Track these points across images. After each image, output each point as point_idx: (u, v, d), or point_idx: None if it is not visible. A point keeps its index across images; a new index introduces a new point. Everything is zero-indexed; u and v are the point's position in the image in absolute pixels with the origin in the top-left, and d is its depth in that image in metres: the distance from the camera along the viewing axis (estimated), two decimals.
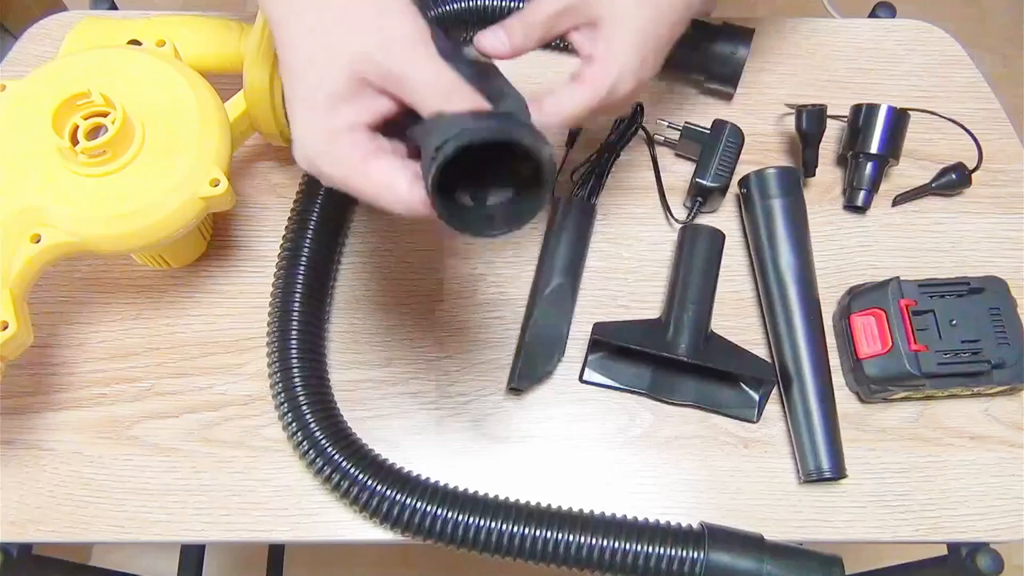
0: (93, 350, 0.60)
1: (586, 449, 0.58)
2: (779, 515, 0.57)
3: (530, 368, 0.58)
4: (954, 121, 0.68)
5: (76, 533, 0.55)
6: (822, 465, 0.55)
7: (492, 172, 0.42)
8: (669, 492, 0.57)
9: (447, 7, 0.66)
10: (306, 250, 0.58)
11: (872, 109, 0.63)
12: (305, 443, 0.54)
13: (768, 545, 0.52)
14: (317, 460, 0.53)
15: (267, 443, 0.57)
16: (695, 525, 0.53)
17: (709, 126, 0.64)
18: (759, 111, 0.69)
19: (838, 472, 0.55)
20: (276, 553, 1.13)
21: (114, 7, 0.75)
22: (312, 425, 0.54)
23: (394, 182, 0.41)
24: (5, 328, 0.48)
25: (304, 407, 0.54)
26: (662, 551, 0.51)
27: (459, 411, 0.59)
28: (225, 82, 0.58)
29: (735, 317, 0.62)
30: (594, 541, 0.51)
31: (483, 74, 0.47)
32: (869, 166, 0.64)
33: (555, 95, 0.48)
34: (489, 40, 0.50)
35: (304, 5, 0.43)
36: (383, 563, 1.26)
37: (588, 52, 0.49)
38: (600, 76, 0.48)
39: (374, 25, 0.42)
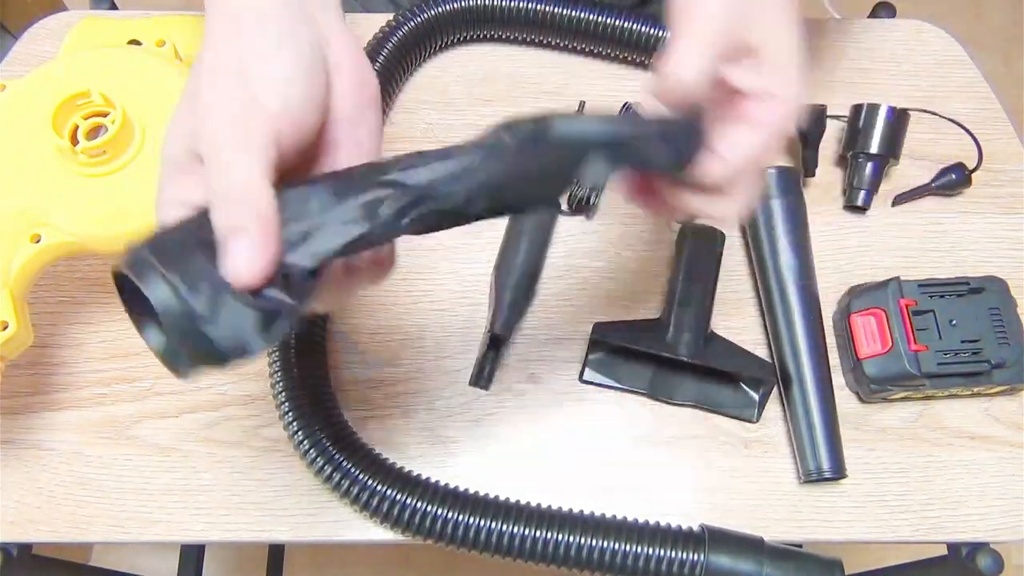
0: (93, 350, 0.60)
1: (586, 449, 0.58)
2: (779, 515, 0.57)
3: (512, 313, 0.58)
4: (954, 121, 0.68)
5: (76, 533, 0.55)
6: (822, 465, 0.55)
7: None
8: (669, 492, 0.57)
9: (447, 7, 0.66)
10: None
11: (872, 109, 0.64)
12: (306, 442, 0.54)
13: (768, 548, 0.52)
14: (318, 459, 0.53)
15: (267, 443, 0.57)
16: (695, 527, 0.53)
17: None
18: None
19: (838, 472, 0.55)
20: (276, 553, 1.14)
21: (114, 7, 0.75)
22: (313, 424, 0.54)
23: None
24: (5, 328, 0.48)
25: (305, 407, 0.54)
26: (662, 553, 0.51)
27: (459, 411, 0.59)
28: None
29: (735, 317, 0.62)
30: (594, 542, 0.51)
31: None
32: (869, 166, 0.64)
33: (727, 139, 0.40)
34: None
35: (218, 47, 0.36)
36: (383, 563, 1.26)
37: (752, 86, 0.40)
38: (776, 115, 0.40)
39: (233, 94, 0.34)
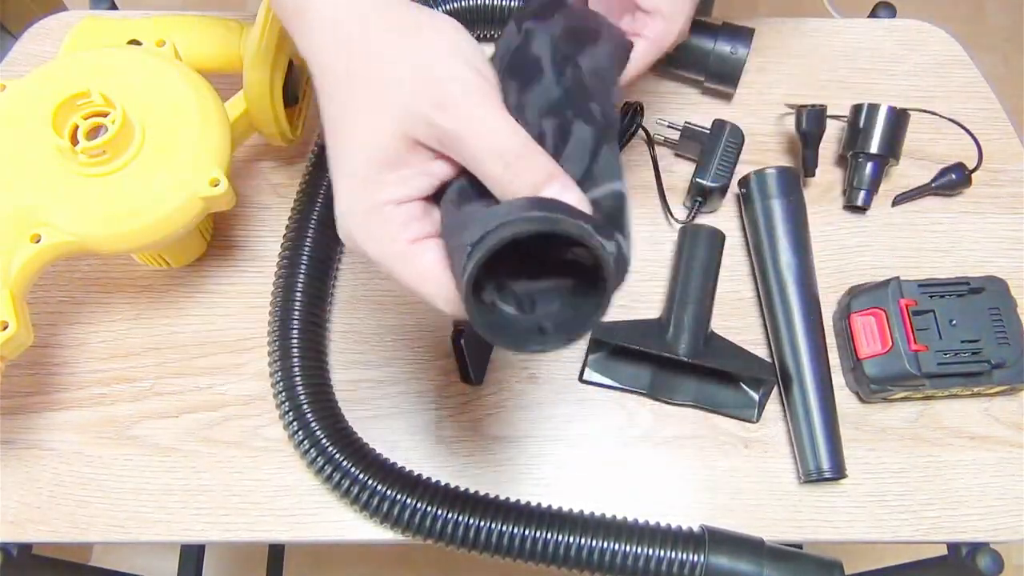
0: (93, 350, 0.60)
1: (586, 449, 0.58)
2: (779, 515, 0.57)
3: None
4: (954, 121, 0.68)
5: (76, 533, 0.55)
6: (822, 465, 0.55)
7: (547, 261, 0.34)
8: (669, 492, 0.57)
9: (446, 6, 0.66)
10: (307, 250, 0.58)
11: (872, 109, 0.64)
12: (306, 442, 0.54)
13: (768, 549, 0.52)
14: (318, 459, 0.53)
15: (267, 443, 0.57)
16: (696, 528, 0.53)
17: (709, 126, 0.64)
18: (759, 111, 0.69)
19: (838, 472, 0.55)
20: (276, 553, 1.14)
21: (114, 7, 0.75)
22: (313, 424, 0.54)
23: (443, 277, 0.35)
24: (5, 328, 0.48)
25: (305, 406, 0.54)
26: (662, 553, 0.51)
27: (459, 411, 0.59)
28: (225, 82, 0.58)
29: (735, 317, 0.62)
30: (594, 543, 0.51)
31: (565, 129, 0.37)
32: (869, 166, 0.64)
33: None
34: None
35: (351, 46, 0.37)
36: (383, 563, 1.26)
37: (650, 6, 0.46)
38: (665, 32, 0.46)
39: (429, 75, 0.35)
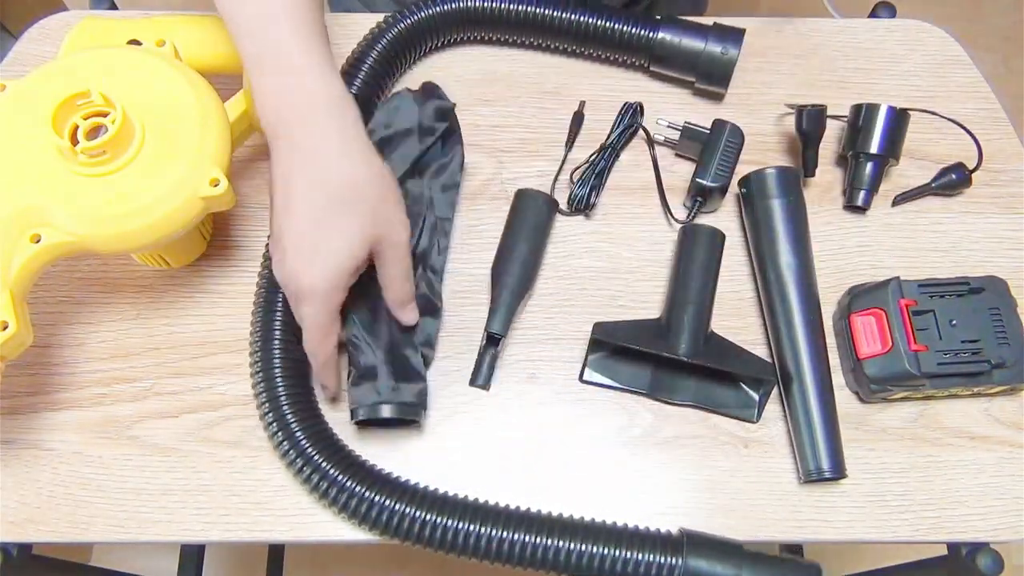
0: (93, 350, 0.60)
1: (586, 449, 0.58)
2: (779, 515, 0.57)
3: (508, 312, 0.59)
4: (954, 121, 0.68)
5: (75, 533, 0.55)
6: (822, 465, 0.55)
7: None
8: (669, 492, 0.57)
9: (444, 6, 0.66)
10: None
11: (872, 109, 0.64)
12: (286, 443, 0.53)
13: (747, 552, 0.52)
14: (298, 461, 0.53)
15: (267, 443, 0.57)
16: (675, 531, 0.53)
17: (709, 126, 0.64)
18: (759, 111, 0.69)
19: (838, 472, 0.55)
20: (276, 553, 1.14)
21: (114, 7, 0.75)
22: (294, 427, 0.53)
23: (334, 369, 0.55)
24: (5, 328, 0.48)
25: (287, 411, 0.54)
26: (640, 556, 0.51)
27: (458, 411, 0.59)
28: (225, 82, 0.58)
29: (735, 317, 0.62)
30: (573, 546, 0.51)
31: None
32: (869, 166, 0.64)
33: None
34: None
35: (336, 138, 0.51)
36: (383, 563, 1.26)
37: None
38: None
39: (396, 200, 0.53)
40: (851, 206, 0.65)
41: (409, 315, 0.56)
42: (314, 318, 0.51)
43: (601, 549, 0.51)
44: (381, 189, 0.52)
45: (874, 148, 0.63)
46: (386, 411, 0.54)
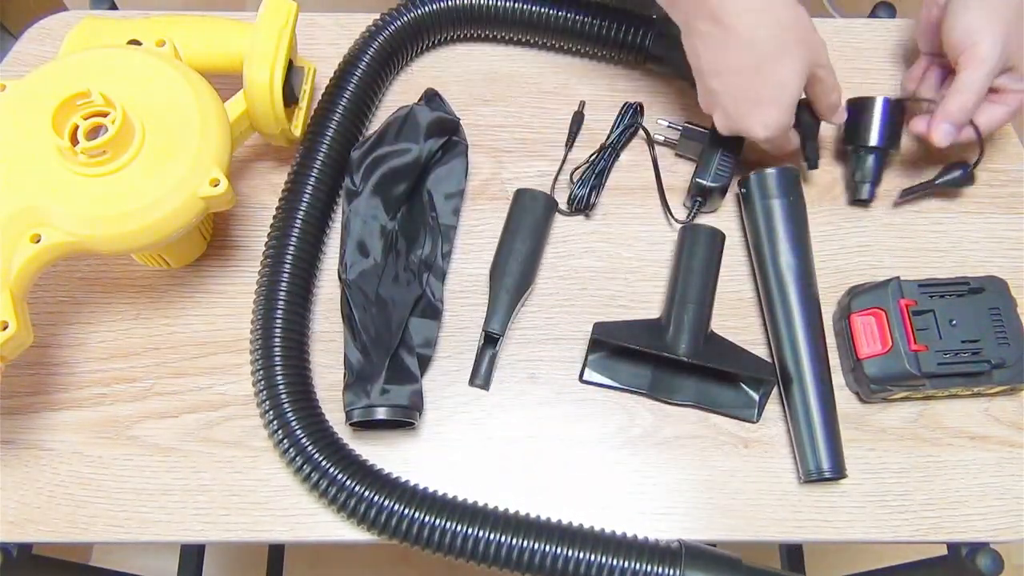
0: (93, 350, 0.60)
1: (586, 449, 0.58)
2: (779, 515, 0.57)
3: (507, 312, 0.59)
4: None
5: (75, 533, 0.55)
6: (822, 465, 0.55)
7: None
8: (669, 492, 0.57)
9: (440, 5, 0.66)
10: (291, 248, 0.58)
11: (867, 102, 0.63)
12: (288, 443, 0.53)
13: (745, 567, 0.52)
14: (299, 460, 0.53)
15: (267, 443, 0.57)
16: (673, 542, 0.53)
17: (709, 126, 0.64)
18: None
19: (838, 472, 0.55)
20: (276, 553, 1.13)
21: (114, 7, 0.75)
22: (295, 426, 0.53)
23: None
24: (5, 328, 0.48)
25: (288, 410, 0.54)
26: (638, 567, 0.51)
27: (458, 411, 0.59)
28: (225, 82, 0.58)
29: (735, 317, 0.62)
30: (570, 553, 0.51)
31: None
32: (870, 159, 0.64)
33: (985, 113, 0.61)
34: (939, 135, 0.60)
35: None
36: (383, 563, 1.26)
37: (1007, 86, 0.60)
38: (1019, 99, 0.61)
39: (812, 35, 0.57)
40: (856, 200, 0.65)
41: (841, 115, 0.63)
42: (780, 139, 0.60)
43: (599, 558, 0.51)
44: (802, 23, 0.57)
45: (873, 141, 0.63)
46: (379, 413, 0.54)
